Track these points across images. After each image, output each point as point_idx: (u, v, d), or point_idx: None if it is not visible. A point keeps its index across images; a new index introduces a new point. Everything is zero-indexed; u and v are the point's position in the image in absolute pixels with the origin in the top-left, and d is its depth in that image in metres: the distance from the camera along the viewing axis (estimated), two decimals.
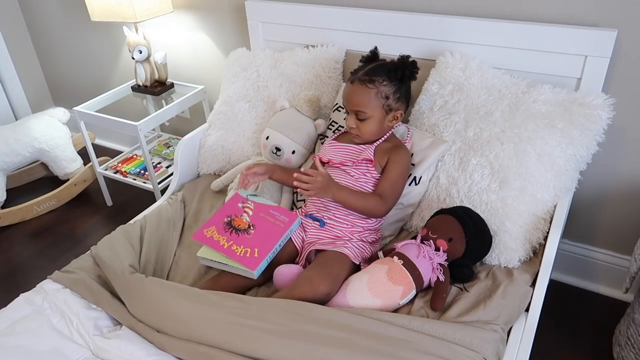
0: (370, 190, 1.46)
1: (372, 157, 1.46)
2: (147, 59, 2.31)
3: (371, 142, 1.50)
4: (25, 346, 1.18)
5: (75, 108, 2.28)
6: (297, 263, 1.44)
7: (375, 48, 1.54)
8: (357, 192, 1.43)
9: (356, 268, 1.39)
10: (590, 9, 1.48)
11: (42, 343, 1.20)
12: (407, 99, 1.49)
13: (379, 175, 1.47)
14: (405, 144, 1.52)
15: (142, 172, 2.35)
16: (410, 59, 1.46)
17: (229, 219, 1.41)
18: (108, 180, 2.48)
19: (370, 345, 1.09)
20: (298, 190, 1.35)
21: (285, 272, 1.35)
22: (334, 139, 1.60)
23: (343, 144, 1.55)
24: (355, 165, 1.47)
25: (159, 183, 2.26)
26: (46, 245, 2.32)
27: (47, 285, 1.36)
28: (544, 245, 1.38)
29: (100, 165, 2.43)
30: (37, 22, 2.86)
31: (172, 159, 2.36)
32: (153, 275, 1.41)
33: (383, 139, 1.50)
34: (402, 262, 1.30)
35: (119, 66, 2.70)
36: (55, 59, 2.96)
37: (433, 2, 1.68)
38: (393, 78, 1.43)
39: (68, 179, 2.60)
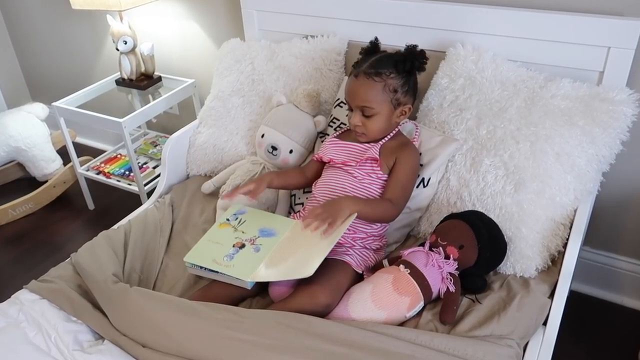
0: (375, 192, 1.46)
1: (378, 156, 1.46)
2: (133, 50, 2.32)
3: (376, 141, 1.50)
4: None
5: (54, 103, 2.28)
6: None
7: (376, 39, 1.54)
8: (369, 200, 1.43)
9: (359, 278, 1.39)
10: None
11: (18, 358, 1.19)
12: (414, 92, 1.49)
13: (385, 175, 1.47)
14: (413, 143, 1.52)
15: (127, 173, 2.35)
16: (418, 49, 1.46)
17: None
18: (90, 181, 2.48)
19: None
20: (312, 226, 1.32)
21: (282, 282, 1.35)
22: (336, 137, 1.60)
23: (346, 142, 1.55)
24: (359, 165, 1.47)
25: (145, 185, 2.26)
26: (22, 252, 2.32)
27: (23, 296, 1.36)
28: (563, 253, 1.38)
29: (81, 166, 2.43)
30: (13, 11, 2.87)
31: (160, 158, 2.36)
32: (138, 284, 1.41)
33: (389, 136, 1.50)
34: (408, 271, 1.30)
35: (102, 58, 2.70)
36: (33, 51, 2.96)
37: None
38: (401, 70, 1.43)
39: (46, 181, 2.60)
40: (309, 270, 1.23)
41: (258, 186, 1.49)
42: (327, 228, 1.30)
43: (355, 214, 1.35)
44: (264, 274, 1.31)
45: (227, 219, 1.50)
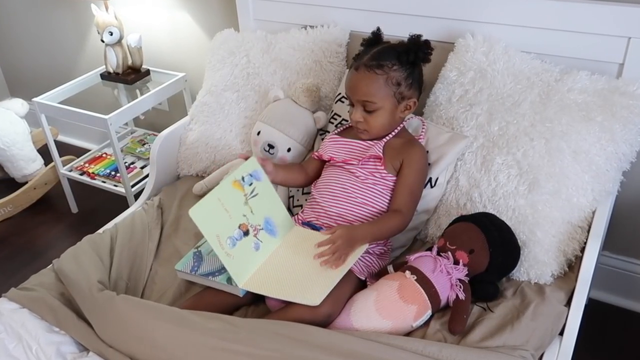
0: (378, 192, 1.47)
1: (381, 154, 1.47)
2: (119, 42, 2.32)
3: (380, 138, 1.50)
4: None
5: (35, 99, 2.28)
6: None
7: (378, 29, 1.54)
8: (377, 222, 1.43)
9: (362, 285, 1.39)
10: None
11: None
12: (419, 85, 1.50)
13: (389, 175, 1.47)
14: (420, 140, 1.53)
15: (113, 173, 2.35)
16: (423, 39, 1.47)
17: None
18: (73, 183, 2.48)
19: None
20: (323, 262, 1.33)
21: None
22: (336, 134, 1.60)
23: (347, 139, 1.55)
24: (362, 164, 1.48)
25: (133, 186, 2.26)
26: (0, 258, 2.32)
27: (2, 305, 1.36)
28: (581, 258, 1.38)
29: (64, 166, 2.43)
30: None
31: (148, 158, 2.36)
32: (125, 292, 1.42)
33: (393, 133, 1.51)
34: (415, 277, 1.30)
35: (86, 50, 2.70)
36: (11, 42, 2.96)
37: None
38: (404, 61, 1.44)
39: (26, 182, 2.60)
40: (315, 299, 1.24)
41: (270, 171, 1.47)
42: (339, 262, 1.31)
43: (366, 246, 1.37)
44: (258, 285, 1.32)
45: (242, 178, 1.43)
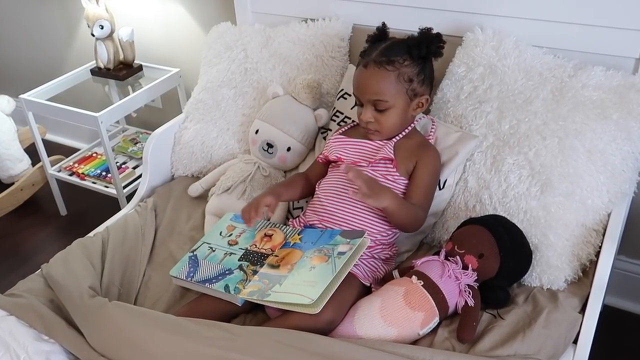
0: None
1: (393, 156, 1.47)
2: (110, 36, 2.32)
3: (389, 138, 1.50)
4: None
5: (21, 96, 2.28)
6: None
7: (383, 24, 1.54)
8: (405, 201, 1.43)
9: (366, 290, 1.39)
10: None
11: None
12: (431, 81, 1.50)
13: (402, 178, 1.47)
14: (429, 140, 1.53)
15: (104, 174, 2.35)
16: (434, 32, 1.47)
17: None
18: (62, 184, 2.48)
19: None
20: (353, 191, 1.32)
21: None
22: (341, 134, 1.60)
23: (354, 139, 1.55)
24: (372, 166, 1.47)
25: (125, 187, 2.26)
26: None
27: None
28: (596, 262, 1.38)
29: (52, 166, 2.43)
30: None
31: (141, 158, 2.36)
32: (118, 299, 1.41)
33: (403, 133, 1.50)
34: (422, 282, 1.30)
35: (76, 45, 2.71)
36: None
37: None
38: (416, 56, 1.43)
39: (13, 183, 2.60)
40: (314, 307, 1.24)
41: (275, 198, 1.47)
42: (359, 194, 1.31)
43: (369, 241, 1.38)
44: (256, 295, 1.32)
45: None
